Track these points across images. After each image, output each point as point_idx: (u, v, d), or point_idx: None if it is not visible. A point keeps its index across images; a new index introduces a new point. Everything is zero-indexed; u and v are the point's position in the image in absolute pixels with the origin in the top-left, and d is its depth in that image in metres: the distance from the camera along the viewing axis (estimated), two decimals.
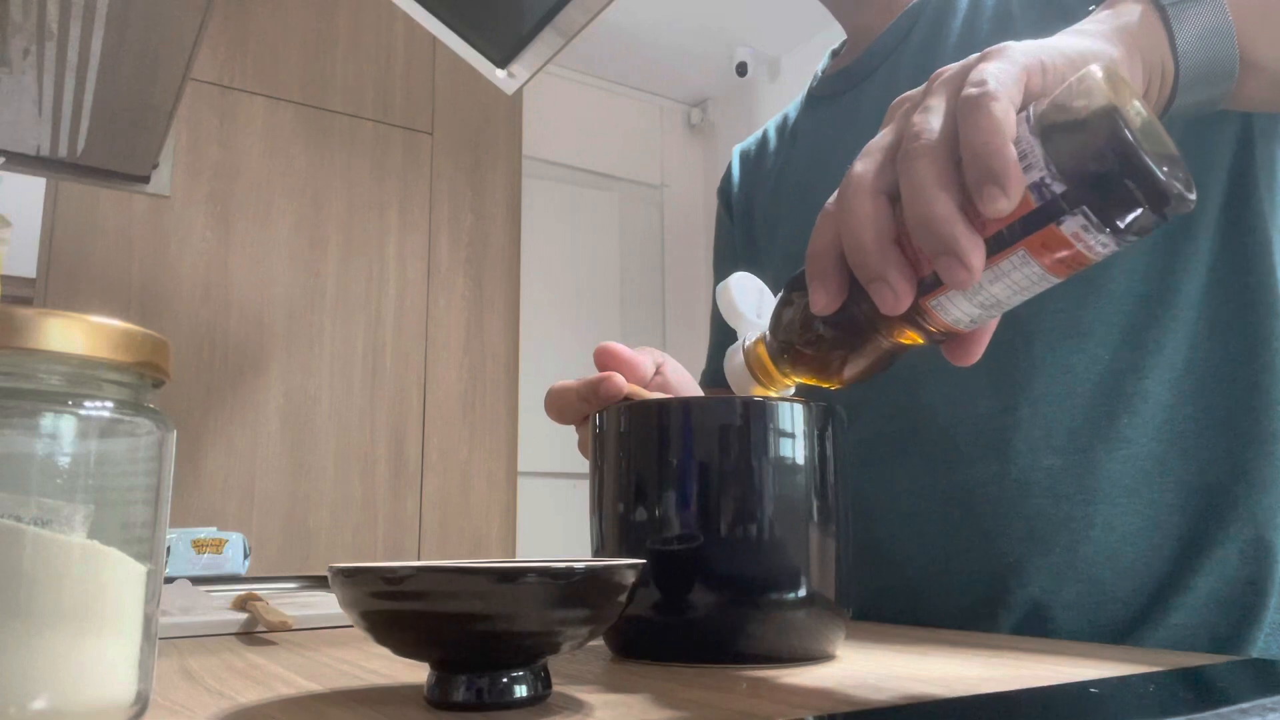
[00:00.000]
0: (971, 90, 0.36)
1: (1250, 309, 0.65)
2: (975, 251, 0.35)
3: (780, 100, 3.17)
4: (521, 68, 0.87)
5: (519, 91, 0.90)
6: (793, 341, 0.43)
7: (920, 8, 0.80)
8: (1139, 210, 0.33)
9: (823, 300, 0.39)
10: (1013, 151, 0.34)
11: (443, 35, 0.88)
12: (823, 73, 0.91)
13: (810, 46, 3.17)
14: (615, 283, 3.38)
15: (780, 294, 0.45)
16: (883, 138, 0.40)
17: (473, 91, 2.41)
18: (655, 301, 3.51)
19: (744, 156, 0.97)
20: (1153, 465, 0.65)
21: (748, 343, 0.48)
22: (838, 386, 0.44)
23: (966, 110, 0.35)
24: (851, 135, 0.81)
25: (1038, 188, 0.34)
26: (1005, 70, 0.37)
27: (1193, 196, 0.34)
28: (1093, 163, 0.33)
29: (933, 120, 0.37)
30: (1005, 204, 0.34)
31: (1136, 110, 0.34)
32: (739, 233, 0.94)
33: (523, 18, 0.83)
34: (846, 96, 0.84)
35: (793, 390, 0.48)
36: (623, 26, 3.06)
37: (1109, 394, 0.65)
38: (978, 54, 0.39)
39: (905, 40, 0.79)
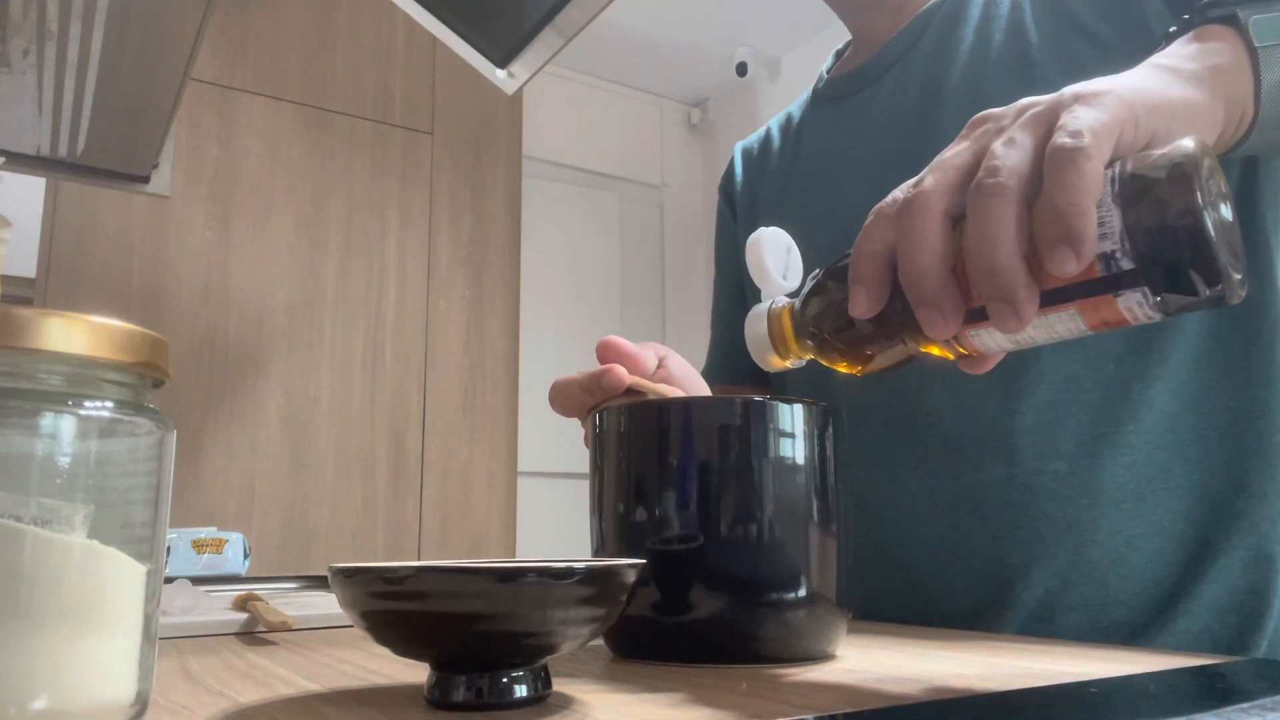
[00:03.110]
0: (1066, 141, 0.34)
1: (1253, 322, 0.65)
2: (1030, 305, 0.35)
3: (780, 100, 3.17)
4: (521, 68, 0.87)
5: (519, 91, 0.90)
6: (821, 329, 0.44)
7: (931, 12, 0.79)
8: (1196, 298, 0.34)
9: (863, 305, 0.39)
10: (1094, 217, 0.33)
11: (443, 35, 0.88)
12: (828, 73, 0.90)
13: (810, 46, 3.17)
14: (615, 283, 3.38)
15: (816, 275, 0.45)
16: (958, 155, 0.38)
17: (473, 91, 2.41)
18: (655, 301, 3.51)
19: (747, 154, 0.97)
20: (1156, 472, 0.65)
21: (774, 308, 0.48)
22: (853, 373, 0.45)
23: (1058, 162, 0.34)
24: (859, 137, 0.80)
25: (1107, 259, 0.34)
26: (1100, 122, 0.35)
27: (1244, 289, 0.35)
28: (1168, 252, 0.33)
29: (1014, 156, 0.36)
30: (1074, 268, 0.33)
31: (1217, 194, 0.34)
32: (741, 229, 0.94)
33: (523, 18, 0.83)
34: (855, 99, 0.83)
35: (805, 362, 0.48)
36: (623, 26, 3.06)
37: (1114, 401, 0.65)
38: (1071, 91, 0.38)
39: (916, 45, 0.79)
